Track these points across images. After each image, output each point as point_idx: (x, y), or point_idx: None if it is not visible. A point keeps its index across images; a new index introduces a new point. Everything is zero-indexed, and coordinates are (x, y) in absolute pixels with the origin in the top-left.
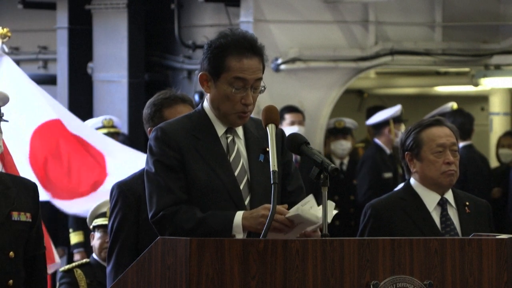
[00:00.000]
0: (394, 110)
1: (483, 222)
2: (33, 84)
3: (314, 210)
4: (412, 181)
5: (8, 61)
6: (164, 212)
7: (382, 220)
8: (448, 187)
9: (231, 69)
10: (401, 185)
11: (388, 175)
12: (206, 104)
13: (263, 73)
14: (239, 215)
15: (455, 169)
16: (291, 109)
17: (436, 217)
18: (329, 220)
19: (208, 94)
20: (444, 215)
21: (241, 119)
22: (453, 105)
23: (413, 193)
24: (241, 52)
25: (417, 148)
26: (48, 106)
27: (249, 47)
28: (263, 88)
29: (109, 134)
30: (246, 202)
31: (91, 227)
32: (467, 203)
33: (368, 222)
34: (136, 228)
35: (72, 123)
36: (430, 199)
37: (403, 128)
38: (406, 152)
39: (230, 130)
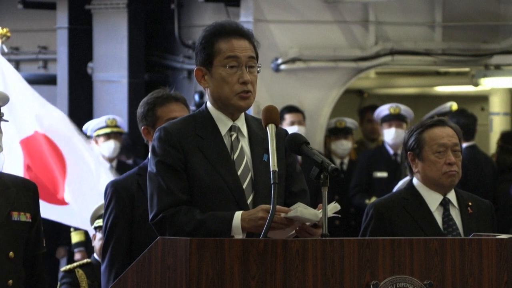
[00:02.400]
0: (379, 111)
1: (485, 222)
2: (26, 89)
3: (311, 210)
4: (415, 181)
5: (5, 63)
6: (164, 213)
7: (384, 220)
8: (450, 187)
9: (222, 51)
10: (399, 184)
11: (381, 174)
12: (209, 103)
13: (256, 57)
14: (237, 216)
15: (457, 169)
16: (291, 109)
17: (438, 217)
18: (330, 214)
19: (208, 90)
20: (447, 215)
21: (243, 100)
22: (452, 104)
23: (415, 193)
24: (229, 34)
25: (418, 148)
26: (36, 119)
27: (236, 29)
28: (259, 68)
29: (112, 134)
30: (249, 201)
31: (92, 227)
32: (470, 204)
33: (370, 221)
34: (130, 226)
35: (60, 135)
36: (432, 199)
37: (404, 126)
38: (408, 152)
39: (234, 127)
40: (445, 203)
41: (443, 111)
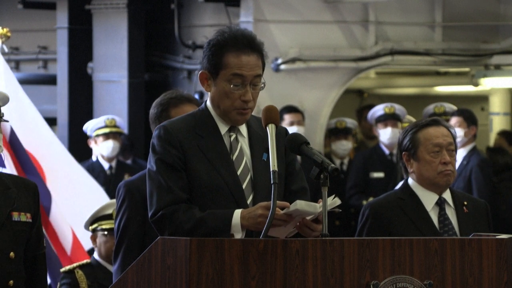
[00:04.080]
0: (373, 111)
1: (481, 221)
2: (26, 103)
3: (310, 203)
4: (410, 181)
5: (8, 72)
6: (164, 211)
7: (380, 220)
8: (445, 187)
9: (229, 66)
10: (399, 185)
11: (378, 175)
12: (209, 102)
13: (263, 70)
14: (237, 214)
15: (452, 169)
16: (290, 109)
17: (434, 216)
18: (329, 208)
19: (209, 93)
20: (442, 215)
21: (241, 116)
22: (435, 106)
23: (411, 192)
24: (239, 48)
25: (413, 148)
26: (27, 135)
27: (247, 43)
28: (263, 85)
29: (111, 134)
30: (249, 201)
31: (90, 228)
32: (465, 203)
33: (367, 221)
34: (143, 227)
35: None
36: (428, 198)
37: (399, 126)
38: (403, 152)
39: (234, 128)
40: (440, 203)
41: (427, 114)
